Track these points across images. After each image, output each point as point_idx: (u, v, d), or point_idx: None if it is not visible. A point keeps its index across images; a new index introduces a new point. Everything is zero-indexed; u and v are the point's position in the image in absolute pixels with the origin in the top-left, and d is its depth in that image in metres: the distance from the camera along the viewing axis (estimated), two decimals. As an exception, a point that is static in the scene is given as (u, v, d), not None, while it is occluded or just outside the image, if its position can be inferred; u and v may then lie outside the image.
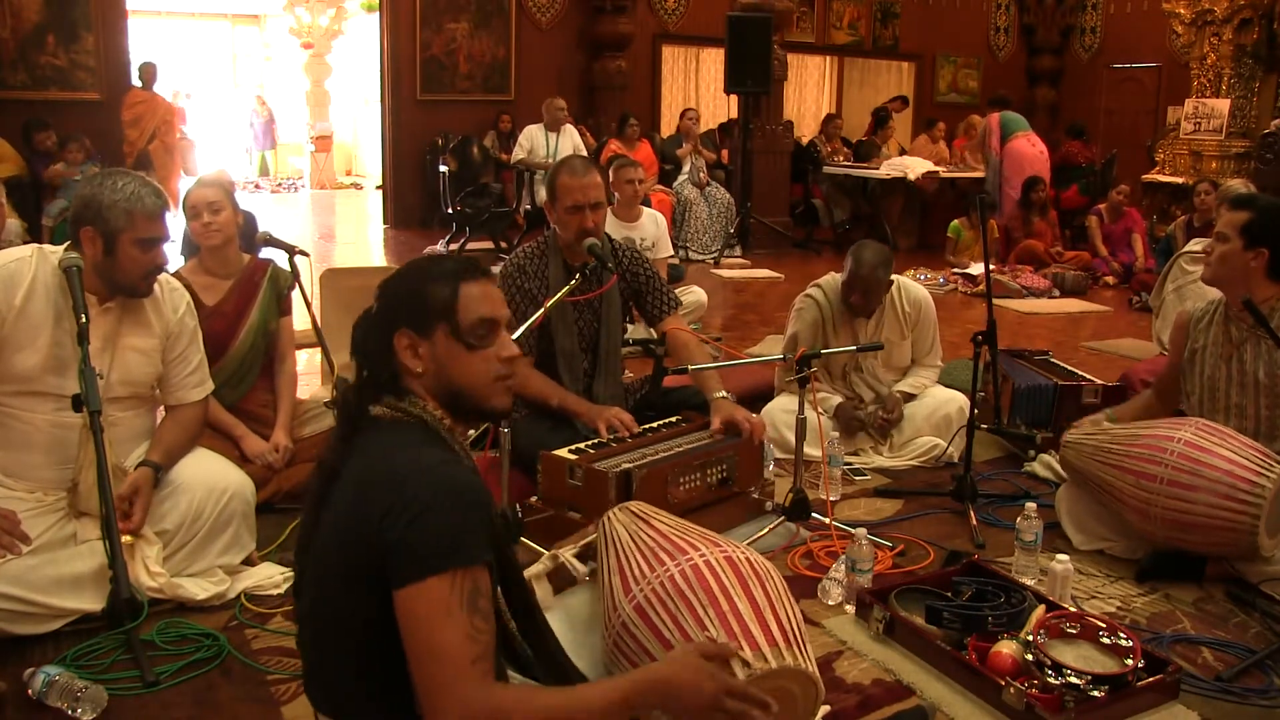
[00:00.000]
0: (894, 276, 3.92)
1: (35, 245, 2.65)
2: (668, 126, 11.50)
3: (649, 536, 1.85)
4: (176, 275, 3.32)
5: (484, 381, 1.63)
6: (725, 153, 10.24)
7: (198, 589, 2.65)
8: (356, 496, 1.51)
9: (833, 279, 3.98)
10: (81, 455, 2.54)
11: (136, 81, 9.09)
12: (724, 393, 3.27)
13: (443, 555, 1.42)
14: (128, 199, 2.52)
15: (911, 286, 4.05)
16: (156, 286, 2.73)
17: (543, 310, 3.04)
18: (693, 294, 6.00)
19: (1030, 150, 9.23)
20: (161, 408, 2.86)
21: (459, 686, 1.39)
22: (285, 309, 3.46)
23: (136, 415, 2.75)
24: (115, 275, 2.56)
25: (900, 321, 3.97)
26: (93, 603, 2.47)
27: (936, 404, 3.93)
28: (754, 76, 9.26)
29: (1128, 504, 2.90)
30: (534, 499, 3.02)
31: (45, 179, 7.89)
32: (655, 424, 3.29)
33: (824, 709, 2.15)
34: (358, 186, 16.12)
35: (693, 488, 2.99)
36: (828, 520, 3.17)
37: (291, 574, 2.72)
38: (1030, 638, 2.28)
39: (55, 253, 2.57)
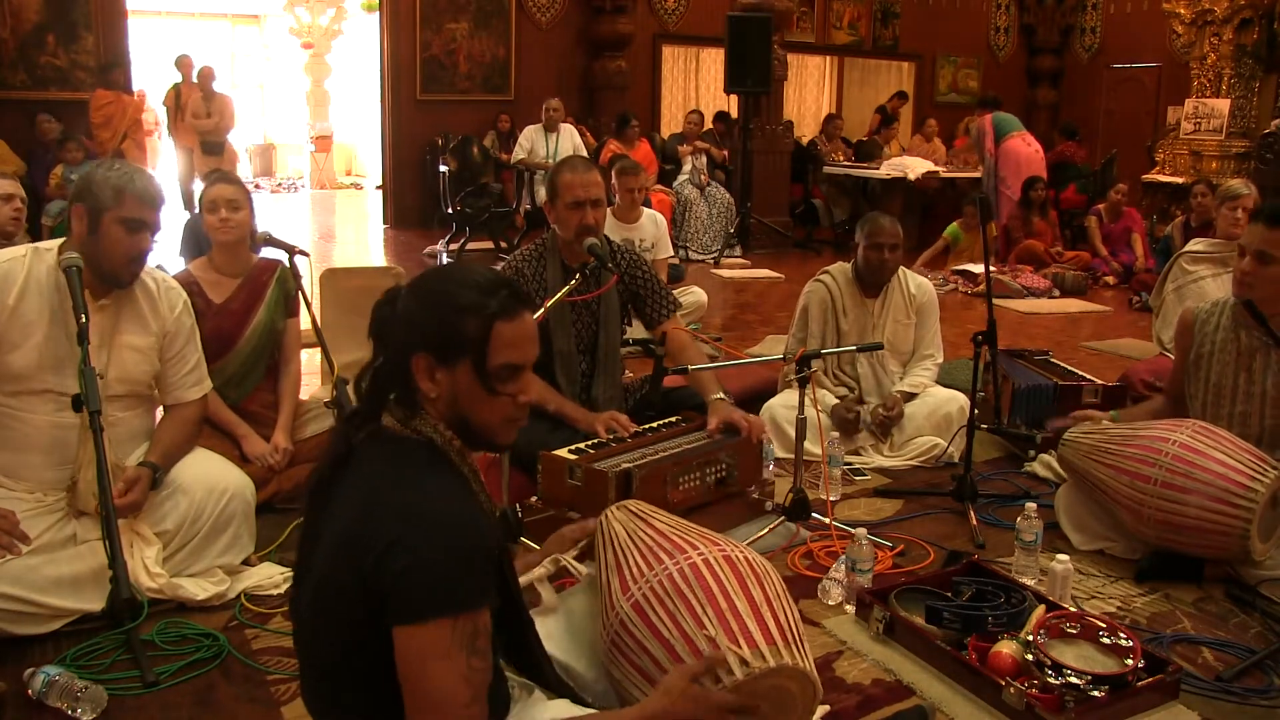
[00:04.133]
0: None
1: (30, 245, 2.65)
2: (668, 126, 11.50)
3: (647, 535, 1.85)
4: (185, 272, 3.34)
5: (497, 422, 1.58)
6: (725, 153, 10.24)
7: (198, 589, 2.65)
8: (360, 519, 1.48)
9: (840, 265, 4.11)
10: (80, 454, 2.54)
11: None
12: (721, 394, 3.27)
13: (445, 600, 1.41)
14: (120, 177, 2.54)
15: (915, 274, 4.19)
16: (152, 284, 2.73)
17: (542, 310, 3.03)
18: (693, 294, 6.00)
19: (1026, 149, 9.22)
20: (160, 408, 2.86)
21: None
22: (293, 310, 3.45)
23: (135, 415, 2.75)
24: (99, 258, 2.55)
25: (906, 302, 4.05)
26: (93, 603, 2.47)
27: (936, 404, 3.93)
28: (754, 76, 9.26)
29: (1122, 504, 2.90)
30: (534, 499, 3.02)
31: (46, 194, 7.89)
32: (655, 424, 3.29)
33: (823, 709, 2.15)
34: (358, 186, 16.12)
35: (692, 487, 2.99)
36: (828, 520, 3.17)
37: (291, 574, 2.74)
38: (1030, 638, 2.28)
39: (50, 250, 2.58)
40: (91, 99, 8.70)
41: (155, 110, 11.15)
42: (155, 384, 2.78)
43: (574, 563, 1.99)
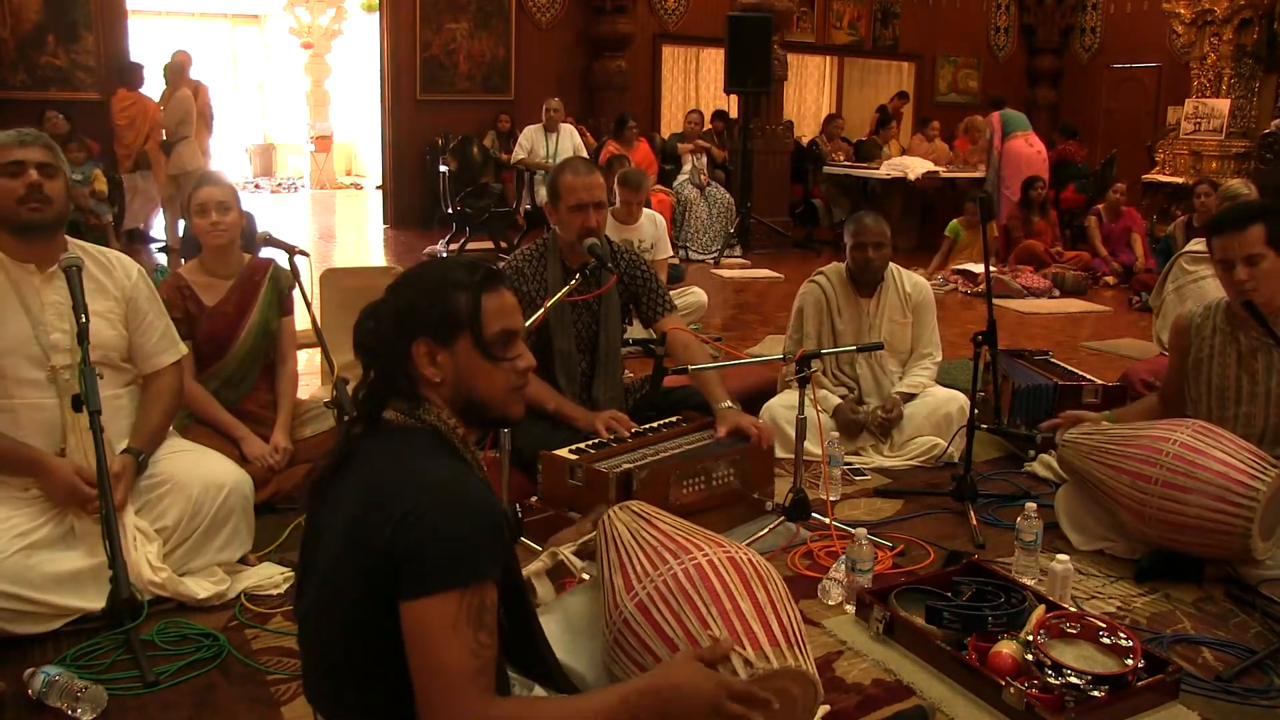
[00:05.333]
0: (891, 265, 4.06)
1: None
2: (668, 126, 11.51)
3: (651, 535, 1.85)
4: (176, 275, 3.34)
5: (502, 392, 1.63)
6: (725, 153, 10.25)
7: (198, 588, 2.65)
8: (368, 502, 1.50)
9: (835, 266, 4.11)
10: (68, 435, 2.55)
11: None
12: (729, 402, 3.27)
13: (454, 572, 1.43)
14: None
15: (910, 272, 4.18)
16: (102, 256, 2.74)
17: (542, 311, 3.03)
18: (693, 294, 6.00)
19: (1028, 150, 9.22)
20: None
21: (459, 702, 1.41)
22: (287, 309, 3.44)
23: (116, 397, 2.71)
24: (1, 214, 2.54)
25: (901, 301, 4.04)
26: (92, 601, 2.47)
27: (936, 404, 3.93)
28: (754, 76, 9.27)
29: (1123, 504, 2.90)
30: (534, 499, 3.02)
31: None
32: (655, 424, 3.29)
33: (824, 709, 2.15)
34: (358, 186, 16.13)
35: (694, 488, 2.99)
36: (828, 520, 3.17)
37: (291, 574, 2.74)
38: (1030, 638, 2.28)
39: None
40: (113, 101, 8.70)
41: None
42: (129, 357, 2.77)
43: (571, 557, 1.99)
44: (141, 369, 2.80)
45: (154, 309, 2.81)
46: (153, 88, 8.98)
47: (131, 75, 8.88)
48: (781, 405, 3.88)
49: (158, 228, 9.31)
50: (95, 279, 2.68)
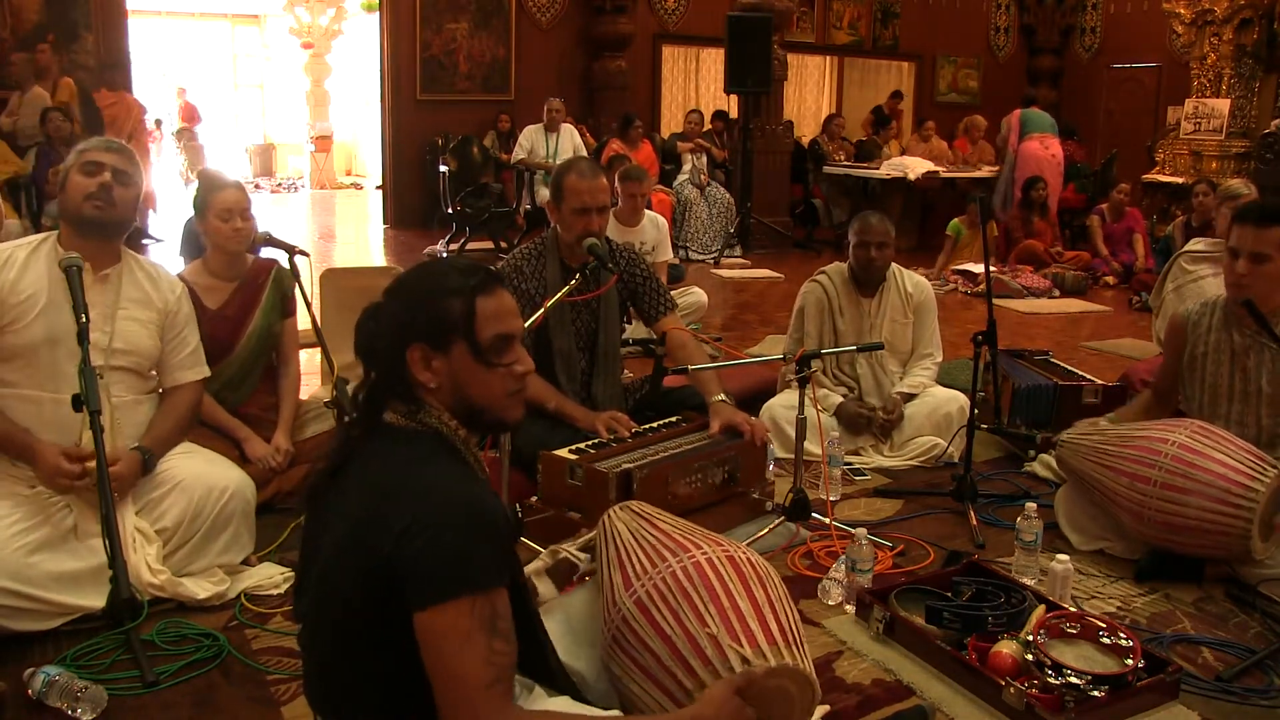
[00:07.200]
0: (893, 265, 4.06)
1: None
2: (668, 126, 11.50)
3: (651, 534, 1.85)
4: (179, 277, 3.33)
5: (499, 397, 1.61)
6: (725, 153, 10.25)
7: (198, 588, 2.65)
8: (371, 506, 1.49)
9: (837, 265, 4.11)
10: (82, 435, 2.56)
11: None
12: (723, 396, 3.27)
13: (462, 580, 1.42)
14: (84, 144, 2.71)
15: (911, 272, 4.19)
16: (150, 268, 2.82)
17: (542, 311, 3.03)
18: (693, 294, 6.00)
19: (1042, 153, 9.17)
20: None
21: (476, 711, 1.41)
22: (289, 310, 3.44)
23: (138, 402, 2.74)
24: (66, 205, 2.66)
25: (903, 302, 4.04)
26: (93, 600, 2.47)
27: (937, 403, 3.93)
28: (754, 76, 9.26)
29: (1121, 505, 2.90)
30: (534, 499, 3.02)
31: (48, 193, 7.81)
32: (655, 424, 3.29)
33: (823, 709, 2.15)
34: (358, 186, 16.13)
35: (693, 488, 2.99)
36: (828, 520, 3.17)
37: (291, 574, 2.74)
38: (1030, 638, 2.28)
39: (53, 234, 2.70)
40: (95, 99, 8.67)
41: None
42: (156, 367, 2.81)
43: (574, 552, 1.99)
44: (163, 382, 2.85)
45: (189, 328, 2.88)
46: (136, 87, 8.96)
47: (114, 74, 8.86)
48: (781, 405, 3.88)
49: (156, 226, 9.31)
50: (142, 289, 2.77)
